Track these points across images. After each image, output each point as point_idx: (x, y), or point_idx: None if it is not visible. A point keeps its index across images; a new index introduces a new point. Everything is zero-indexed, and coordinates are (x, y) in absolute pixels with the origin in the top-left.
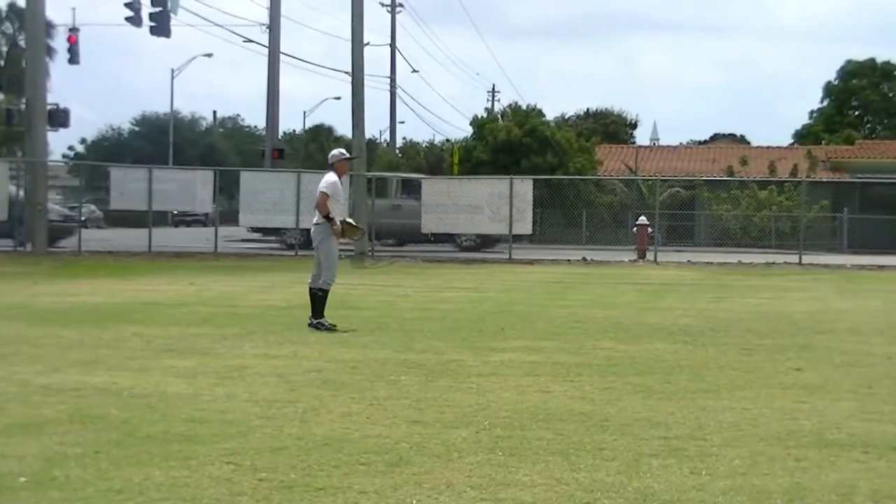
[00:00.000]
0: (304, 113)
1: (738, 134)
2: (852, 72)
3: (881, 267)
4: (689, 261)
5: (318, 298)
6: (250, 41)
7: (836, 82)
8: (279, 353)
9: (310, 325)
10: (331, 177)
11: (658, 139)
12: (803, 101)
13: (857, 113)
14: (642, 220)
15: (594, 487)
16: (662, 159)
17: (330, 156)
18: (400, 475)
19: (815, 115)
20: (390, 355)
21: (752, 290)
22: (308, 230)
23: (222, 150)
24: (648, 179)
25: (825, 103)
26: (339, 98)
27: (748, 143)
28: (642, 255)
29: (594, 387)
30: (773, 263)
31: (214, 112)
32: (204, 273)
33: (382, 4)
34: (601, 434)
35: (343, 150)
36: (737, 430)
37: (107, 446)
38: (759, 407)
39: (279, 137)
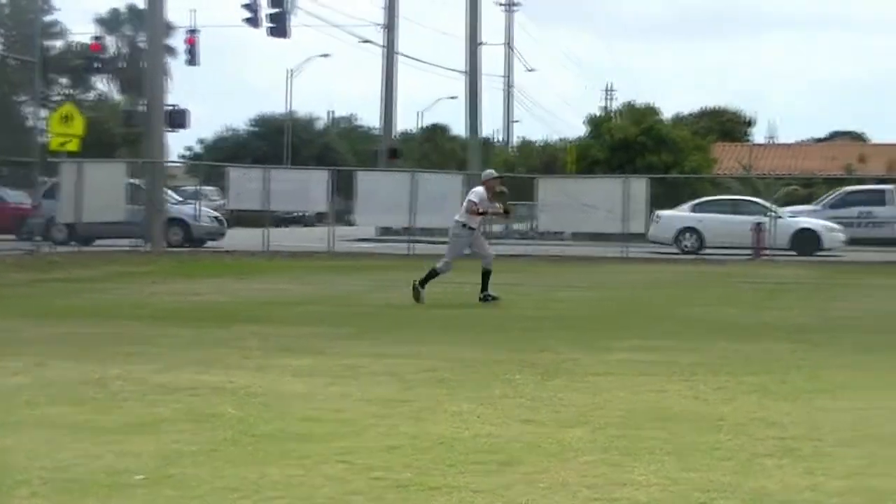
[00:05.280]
0: (419, 113)
1: (857, 132)
2: None
3: None
4: (806, 259)
5: (487, 276)
6: (367, 41)
7: None
8: (394, 352)
9: (480, 299)
10: (480, 189)
11: (775, 137)
12: None
13: None
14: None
15: (709, 487)
16: (779, 157)
17: (484, 174)
18: (513, 474)
19: None
20: (506, 355)
21: (870, 289)
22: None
23: (338, 149)
24: (764, 177)
25: None
26: (454, 97)
27: (867, 140)
28: (758, 254)
29: (708, 386)
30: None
31: (330, 112)
32: (320, 272)
33: (498, 3)
34: (715, 434)
35: (492, 171)
36: (853, 431)
37: (222, 444)
38: (875, 407)
39: (395, 137)
